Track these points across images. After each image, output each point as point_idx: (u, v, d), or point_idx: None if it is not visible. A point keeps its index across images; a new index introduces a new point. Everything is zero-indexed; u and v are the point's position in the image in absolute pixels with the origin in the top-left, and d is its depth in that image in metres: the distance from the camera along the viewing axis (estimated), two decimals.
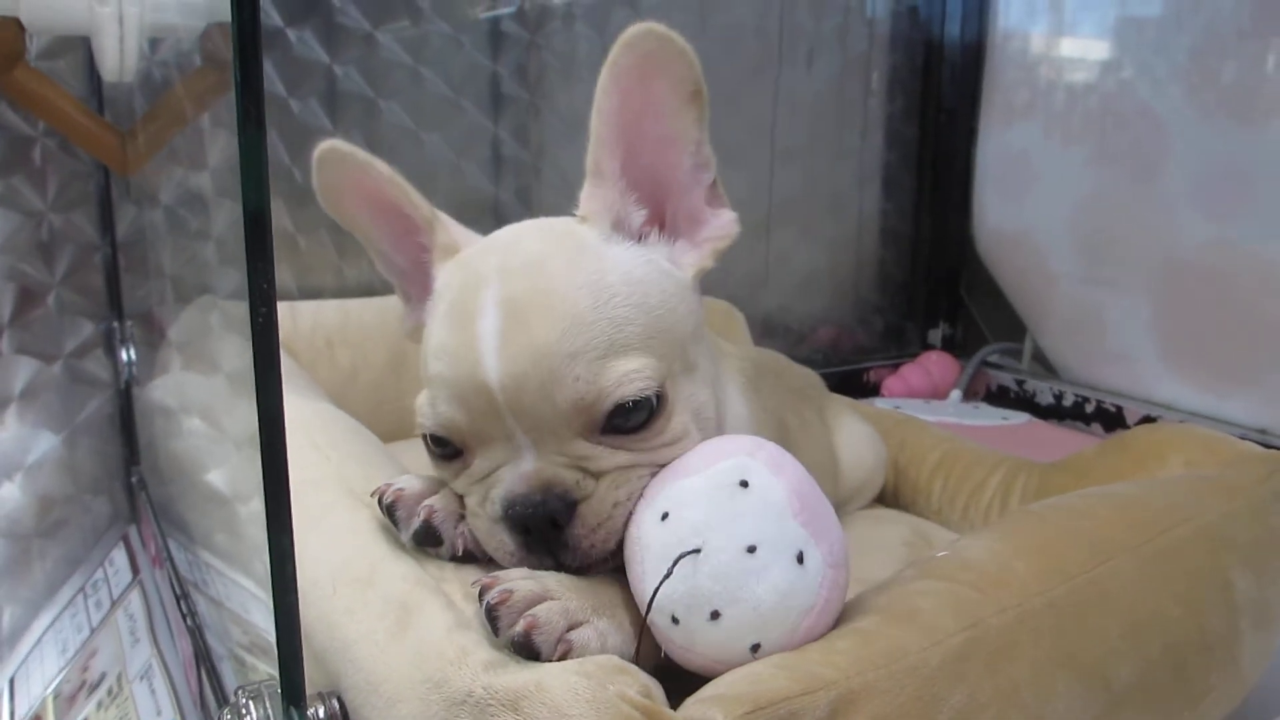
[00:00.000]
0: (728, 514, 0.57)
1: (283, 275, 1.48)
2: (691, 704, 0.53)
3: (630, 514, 0.63)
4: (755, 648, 0.57)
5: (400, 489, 0.69)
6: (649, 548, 0.59)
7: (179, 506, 1.25)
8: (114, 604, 1.29)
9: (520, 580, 0.59)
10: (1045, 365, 1.92)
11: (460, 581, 0.64)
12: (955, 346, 2.09)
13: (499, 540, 0.65)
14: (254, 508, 1.05)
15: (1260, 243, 1.47)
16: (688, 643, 0.58)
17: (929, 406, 1.81)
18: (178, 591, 1.05)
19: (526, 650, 0.55)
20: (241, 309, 1.32)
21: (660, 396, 0.65)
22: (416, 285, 0.77)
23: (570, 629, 0.57)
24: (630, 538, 0.62)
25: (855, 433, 1.15)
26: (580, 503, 0.63)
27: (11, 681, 1.32)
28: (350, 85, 1.50)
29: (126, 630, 1.20)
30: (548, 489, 0.63)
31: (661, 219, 0.72)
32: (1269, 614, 0.79)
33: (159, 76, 1.27)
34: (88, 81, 1.35)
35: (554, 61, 1.66)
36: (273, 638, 0.88)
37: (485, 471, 0.66)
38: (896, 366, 1.98)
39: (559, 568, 0.64)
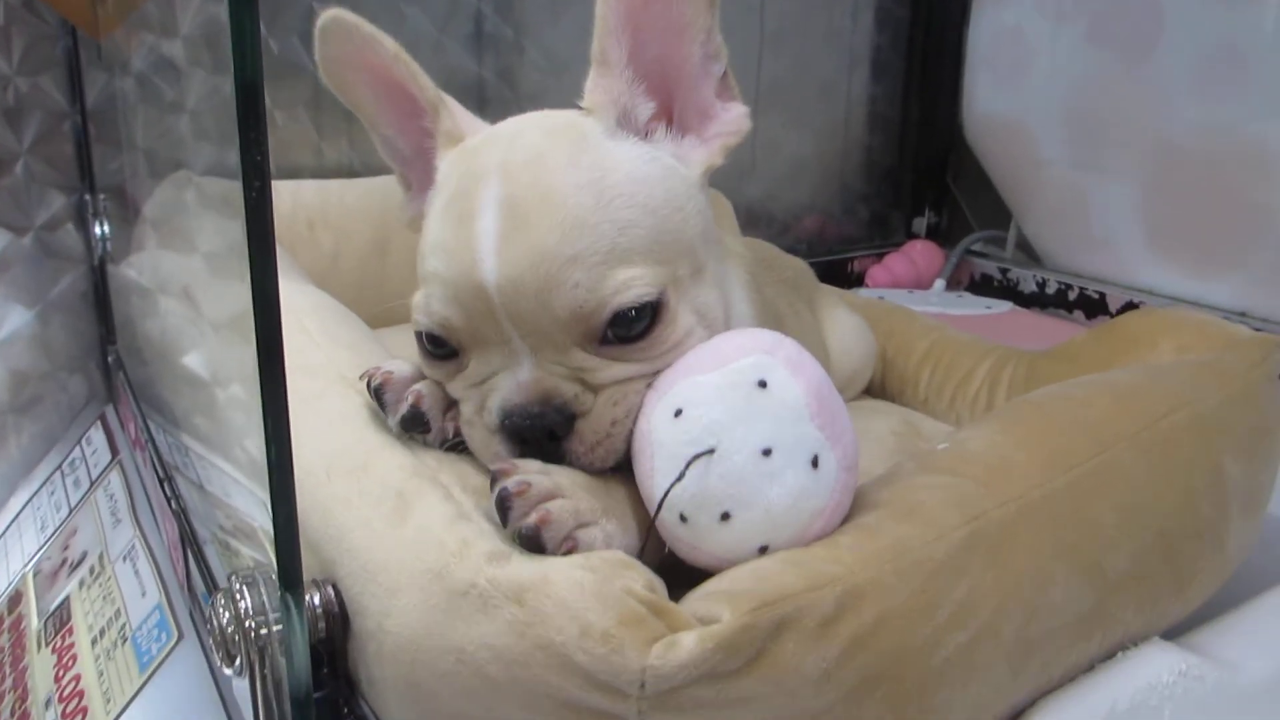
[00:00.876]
0: (744, 414, 0.56)
1: None
2: (696, 599, 0.53)
3: (633, 422, 0.62)
4: (763, 549, 0.56)
5: (389, 372, 0.68)
6: (661, 444, 0.58)
7: (157, 388, 1.24)
8: (93, 483, 1.28)
9: (536, 474, 0.58)
10: (1029, 253, 1.92)
11: (457, 474, 0.63)
12: (940, 235, 2.08)
13: (494, 450, 0.63)
14: (233, 392, 1.04)
15: (1252, 125, 1.46)
16: (695, 541, 0.57)
17: (912, 296, 1.80)
18: (160, 474, 1.04)
19: (532, 544, 0.55)
20: (219, 185, 1.29)
21: (662, 304, 0.62)
22: (418, 173, 0.74)
23: (577, 528, 0.56)
24: (640, 432, 0.60)
25: (845, 324, 1.14)
26: (579, 418, 0.62)
27: None
28: None
29: (107, 510, 1.20)
30: (546, 400, 0.61)
31: (669, 113, 0.69)
32: (1257, 499, 0.80)
33: None
34: None
35: None
36: (256, 522, 0.87)
37: (481, 376, 0.64)
38: (881, 256, 1.97)
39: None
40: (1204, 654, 0.71)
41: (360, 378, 0.69)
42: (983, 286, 1.92)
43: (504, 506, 0.56)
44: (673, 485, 0.56)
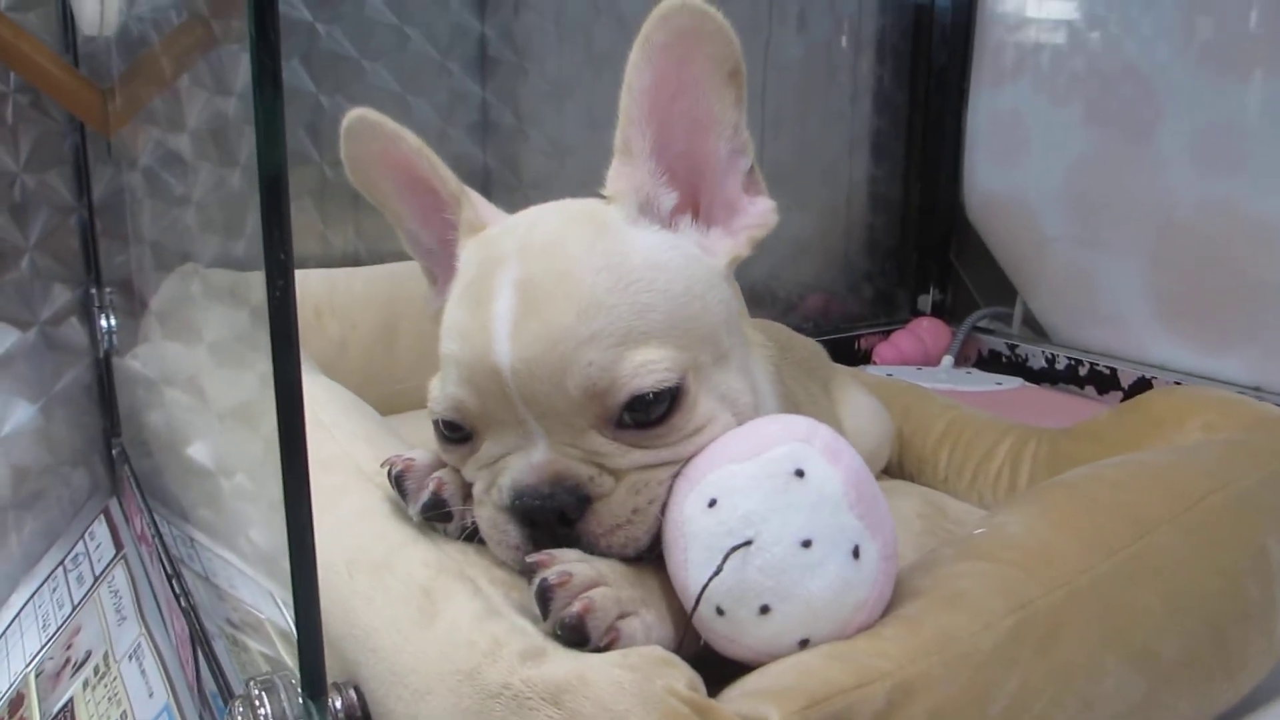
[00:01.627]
0: (782, 505, 0.55)
1: (259, 244, 1.44)
2: (739, 697, 0.51)
3: (661, 509, 0.60)
4: (804, 642, 0.55)
5: (410, 459, 0.67)
6: (695, 536, 0.56)
7: (162, 480, 1.22)
8: (97, 579, 1.26)
9: (576, 563, 0.56)
10: (1036, 329, 1.92)
11: (482, 566, 0.61)
12: (945, 312, 2.08)
13: (502, 531, 0.62)
14: (238, 482, 1.02)
15: (1253, 202, 1.47)
16: (733, 635, 0.55)
17: (921, 373, 1.79)
18: (169, 570, 1.02)
19: (576, 634, 0.53)
20: (225, 277, 1.29)
21: (681, 390, 0.61)
22: (442, 265, 0.74)
23: (619, 618, 0.55)
24: (672, 522, 0.59)
25: (860, 405, 1.13)
26: (595, 500, 0.60)
27: None
28: (334, 45, 1.46)
29: (112, 607, 1.18)
30: (558, 481, 0.60)
31: (695, 205, 0.68)
32: None
33: (135, 32, 1.22)
34: (60, 37, 1.30)
35: (542, 22, 1.62)
36: (263, 615, 0.85)
37: (494, 457, 0.62)
38: (887, 333, 1.97)
39: None
40: None
41: (381, 465, 0.68)
42: (990, 363, 1.91)
43: (545, 598, 0.54)
44: (711, 578, 0.54)
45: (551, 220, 0.67)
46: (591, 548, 0.60)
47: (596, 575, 0.56)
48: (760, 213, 0.69)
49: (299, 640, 0.53)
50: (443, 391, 0.63)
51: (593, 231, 0.64)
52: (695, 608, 0.55)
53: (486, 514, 0.63)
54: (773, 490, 0.55)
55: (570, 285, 0.60)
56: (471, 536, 0.65)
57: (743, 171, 0.68)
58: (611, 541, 0.60)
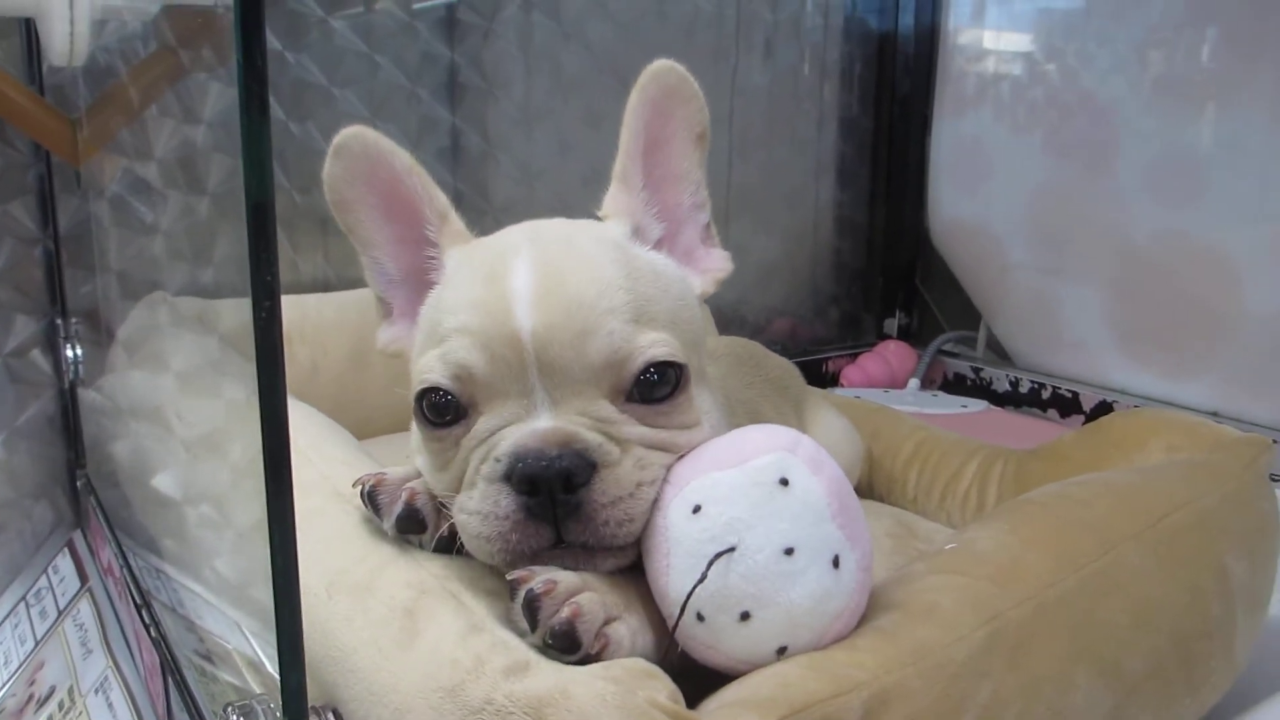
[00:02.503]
0: (766, 513, 0.56)
1: (228, 272, 1.44)
2: (720, 709, 0.52)
3: (657, 491, 0.61)
4: (782, 650, 0.55)
5: (381, 474, 0.67)
6: (678, 541, 0.57)
7: (127, 510, 1.21)
8: (61, 613, 1.24)
9: (559, 571, 0.57)
10: (999, 353, 1.94)
11: (466, 579, 0.61)
12: (911, 336, 2.11)
13: (491, 506, 0.60)
14: (204, 511, 1.01)
15: (1209, 231, 1.50)
16: (712, 641, 0.56)
17: (889, 396, 1.81)
18: (137, 600, 1.01)
19: (566, 640, 0.54)
20: (192, 304, 1.28)
21: (685, 374, 0.64)
22: (402, 297, 0.74)
23: (606, 623, 0.55)
24: (656, 528, 0.59)
25: (832, 425, 1.14)
26: (602, 468, 0.59)
27: None
28: (304, 74, 1.46)
29: (77, 641, 1.16)
30: (566, 444, 0.59)
31: (667, 244, 0.74)
32: (1259, 598, 0.79)
33: (103, 62, 1.22)
34: (25, 68, 1.30)
35: (510, 49, 1.63)
36: (230, 644, 0.84)
37: (490, 430, 0.62)
38: (854, 356, 1.99)
39: (556, 544, 0.60)
40: None
41: (354, 484, 0.68)
42: (956, 386, 1.94)
43: (532, 608, 0.55)
44: (697, 584, 0.55)
45: (557, 222, 0.71)
46: (592, 519, 0.59)
47: (581, 582, 0.57)
48: (716, 262, 0.75)
49: (280, 664, 0.53)
50: (444, 358, 0.63)
51: (600, 232, 0.69)
52: (682, 613, 0.56)
53: (475, 495, 0.61)
54: (758, 498, 0.56)
55: (587, 266, 0.64)
56: (446, 548, 0.64)
57: (701, 224, 0.75)
58: (611, 515, 0.59)
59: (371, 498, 0.66)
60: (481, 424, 0.63)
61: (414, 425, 0.68)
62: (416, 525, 0.65)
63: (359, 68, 1.51)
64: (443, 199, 0.72)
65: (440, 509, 0.65)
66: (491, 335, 0.62)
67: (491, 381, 0.62)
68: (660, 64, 0.68)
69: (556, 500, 0.59)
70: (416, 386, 0.65)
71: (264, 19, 0.45)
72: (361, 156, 0.70)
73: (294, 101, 1.46)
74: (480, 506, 0.60)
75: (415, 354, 0.68)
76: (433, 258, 0.72)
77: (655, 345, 0.62)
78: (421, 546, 0.65)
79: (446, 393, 0.63)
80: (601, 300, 0.62)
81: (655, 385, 0.62)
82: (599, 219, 0.71)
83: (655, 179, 0.72)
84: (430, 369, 0.64)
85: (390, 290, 0.76)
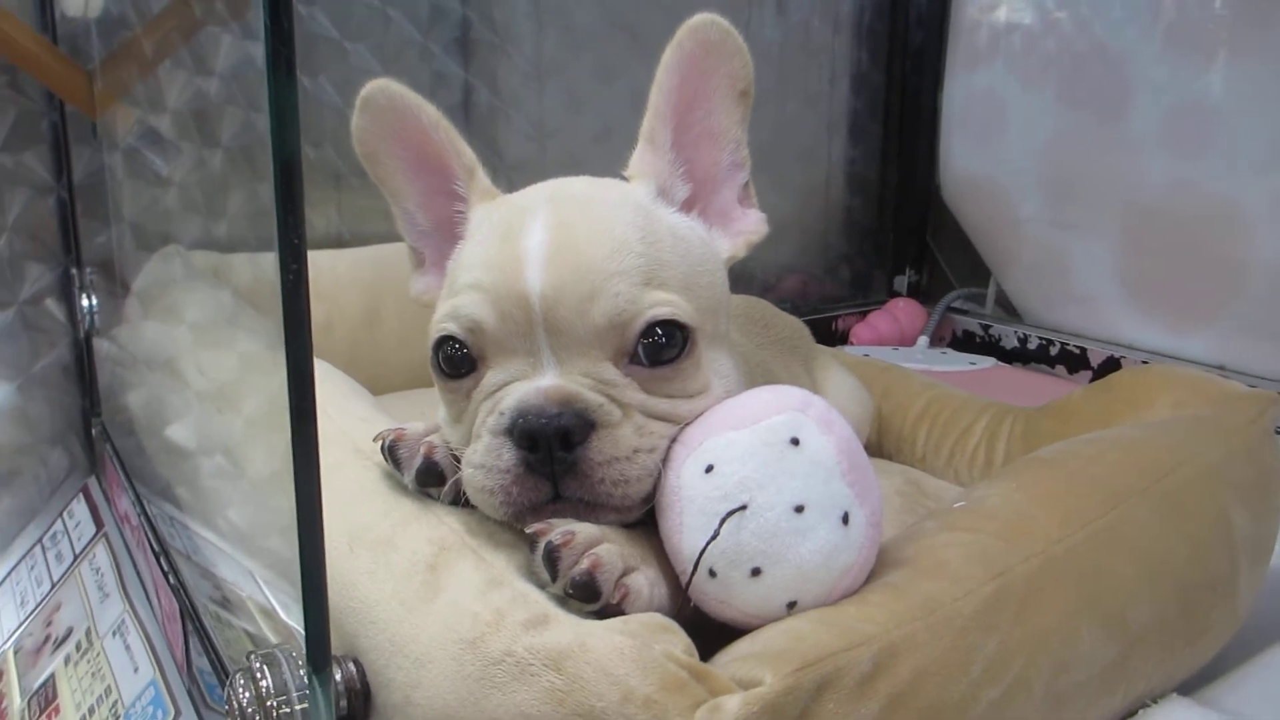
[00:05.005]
0: (777, 471, 0.57)
1: (241, 226, 1.44)
2: (733, 662, 0.53)
3: (660, 466, 0.61)
4: (791, 604, 0.57)
5: (401, 429, 0.68)
6: (691, 500, 0.58)
7: (142, 458, 1.23)
8: (77, 557, 1.26)
9: (577, 523, 0.58)
10: (1009, 309, 1.95)
11: (486, 533, 0.62)
12: (921, 293, 2.11)
13: (494, 459, 0.61)
14: (217, 462, 1.03)
15: (1220, 182, 1.50)
16: (723, 596, 0.57)
17: (898, 353, 1.82)
18: (155, 547, 1.02)
19: (587, 591, 0.55)
20: (207, 259, 1.29)
21: (692, 339, 0.64)
22: (434, 247, 0.75)
23: (625, 574, 0.57)
24: (668, 487, 0.60)
25: (841, 384, 1.14)
26: (601, 428, 0.60)
27: None
28: (316, 27, 1.46)
29: (94, 585, 1.18)
30: (566, 403, 0.60)
31: (701, 203, 0.73)
32: (1262, 550, 0.80)
33: (115, 12, 1.22)
34: (38, 17, 1.29)
35: (522, 4, 1.62)
36: (244, 592, 0.86)
37: (498, 385, 0.63)
38: (864, 314, 1.99)
39: (554, 499, 0.61)
40: (1221, 709, 0.72)
41: (374, 439, 0.69)
42: (965, 343, 1.94)
43: (552, 559, 0.56)
44: (709, 542, 0.56)
45: (580, 181, 0.71)
46: (588, 476, 0.60)
47: (599, 533, 0.58)
48: (752, 223, 0.74)
49: (305, 614, 0.54)
50: (456, 313, 0.64)
51: (622, 193, 0.69)
52: (695, 570, 0.57)
53: (480, 447, 0.62)
54: (769, 457, 0.57)
55: (602, 228, 0.64)
56: (464, 501, 0.66)
57: (739, 184, 0.74)
58: (607, 474, 0.60)
59: (392, 451, 0.68)
60: (489, 378, 0.64)
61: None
62: (435, 478, 0.66)
63: (371, 21, 1.50)
64: (470, 154, 0.73)
65: (456, 463, 0.66)
66: (501, 294, 0.63)
67: (500, 338, 0.63)
68: (701, 18, 0.67)
69: (555, 457, 0.60)
70: (433, 336, 0.66)
71: None
72: (388, 110, 0.70)
73: (306, 56, 1.46)
74: (484, 459, 0.62)
75: (439, 305, 0.69)
76: (460, 212, 0.73)
77: (660, 306, 0.62)
78: (439, 500, 0.67)
79: (461, 345, 0.65)
80: (611, 263, 0.62)
81: (662, 347, 0.63)
82: (625, 179, 0.71)
83: (690, 138, 0.71)
84: (443, 319, 0.65)
85: (421, 241, 0.77)
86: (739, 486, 0.56)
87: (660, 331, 0.63)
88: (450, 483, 0.66)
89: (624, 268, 0.62)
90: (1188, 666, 0.74)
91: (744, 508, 0.56)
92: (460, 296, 0.64)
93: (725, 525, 0.56)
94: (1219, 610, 0.74)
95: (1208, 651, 0.76)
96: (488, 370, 0.64)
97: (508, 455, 0.61)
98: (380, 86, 0.70)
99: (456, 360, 0.65)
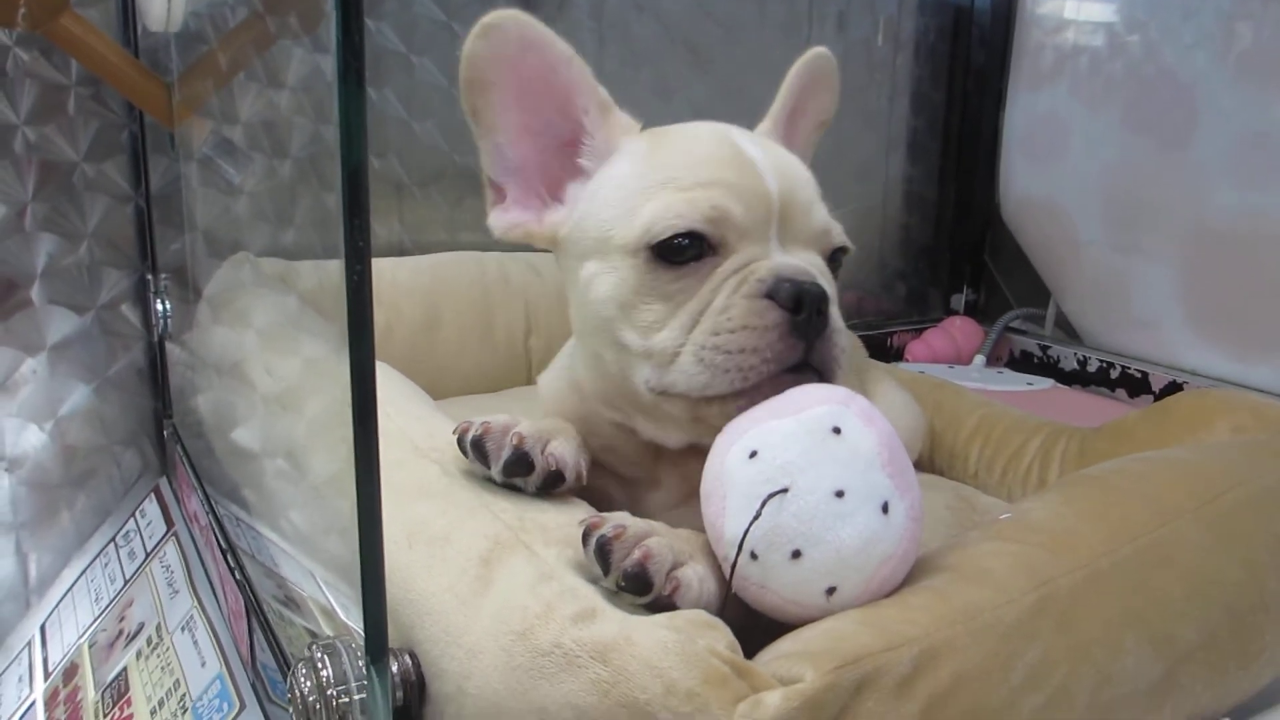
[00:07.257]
0: (818, 457, 0.58)
1: (308, 234, 1.48)
2: (774, 660, 0.54)
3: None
4: (830, 590, 0.57)
5: (487, 422, 0.70)
6: (735, 485, 0.59)
7: (210, 460, 1.26)
8: (149, 555, 1.29)
9: (627, 517, 0.60)
10: (1068, 331, 1.92)
11: (539, 528, 0.64)
12: (978, 312, 2.09)
13: (757, 319, 0.65)
14: (279, 464, 1.05)
15: None
16: (763, 579, 0.58)
17: (953, 372, 1.81)
18: (223, 545, 1.05)
19: (638, 583, 0.56)
20: (275, 265, 1.32)
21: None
22: (520, 184, 0.76)
23: (675, 567, 0.58)
24: (712, 472, 0.62)
25: (893, 399, 1.15)
26: (829, 302, 0.68)
27: (43, 629, 1.33)
28: (383, 40, 1.49)
29: (164, 582, 1.21)
30: (811, 276, 0.67)
31: None
32: None
33: (193, 27, 1.26)
34: (121, 32, 1.34)
35: (583, 19, 1.65)
36: (305, 592, 0.88)
37: (743, 263, 0.68)
38: (920, 331, 1.98)
39: (805, 361, 0.66)
40: None
41: (454, 433, 0.71)
42: (1022, 363, 1.92)
43: (604, 552, 0.58)
44: (751, 523, 0.57)
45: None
46: (828, 344, 0.67)
47: (648, 527, 0.60)
48: None
49: (364, 606, 0.56)
50: (694, 205, 0.67)
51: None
52: (739, 553, 0.58)
53: (735, 311, 0.66)
54: (811, 444, 0.58)
55: (794, 159, 0.75)
56: (552, 484, 0.69)
57: None
58: (838, 341, 0.68)
59: (477, 445, 0.69)
60: (734, 259, 0.68)
61: (584, 329, 0.75)
62: (524, 468, 0.69)
63: (436, 35, 1.53)
64: (604, 92, 0.75)
65: (545, 444, 0.69)
66: (743, 189, 0.69)
67: (745, 226, 0.68)
68: (818, 50, 0.81)
69: (814, 319, 0.66)
70: (657, 233, 0.67)
71: None
72: (515, 39, 0.70)
73: (372, 69, 1.49)
74: (745, 320, 0.66)
75: (595, 224, 0.72)
76: (587, 145, 0.75)
77: (841, 230, 0.73)
78: (525, 489, 0.69)
79: (694, 234, 0.67)
80: (813, 184, 0.73)
81: (839, 267, 0.74)
82: None
83: (786, 144, 0.80)
84: (677, 214, 0.67)
85: (506, 177, 0.76)
86: (781, 470, 0.58)
87: (841, 252, 0.74)
88: (537, 470, 0.69)
89: (820, 195, 0.73)
90: (1242, 689, 0.73)
91: (785, 490, 0.57)
92: (693, 192, 0.68)
93: (766, 507, 0.57)
94: (1273, 634, 0.73)
95: (1263, 676, 0.75)
96: (730, 254, 0.69)
97: (773, 315, 0.66)
98: (510, 15, 0.70)
99: (683, 249, 0.68)
